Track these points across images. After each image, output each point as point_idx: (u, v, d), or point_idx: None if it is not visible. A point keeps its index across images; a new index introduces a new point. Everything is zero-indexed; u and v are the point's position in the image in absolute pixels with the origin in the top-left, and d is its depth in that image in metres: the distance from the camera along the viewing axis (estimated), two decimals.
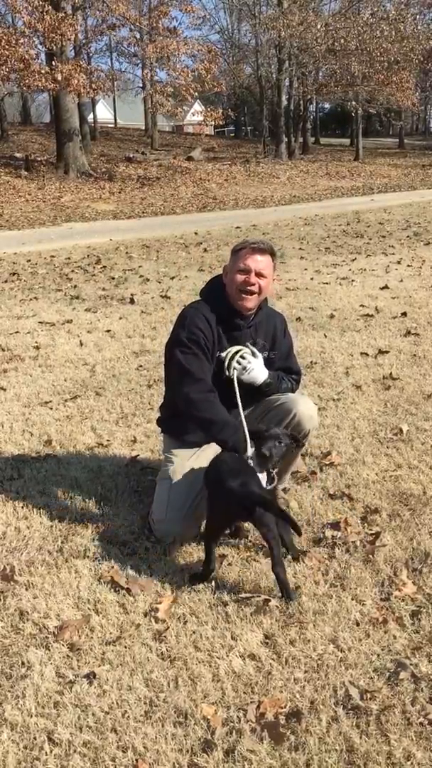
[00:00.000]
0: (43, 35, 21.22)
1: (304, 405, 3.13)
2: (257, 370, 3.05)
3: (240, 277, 3.00)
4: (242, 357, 3.03)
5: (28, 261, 11.36)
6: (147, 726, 2.04)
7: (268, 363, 3.16)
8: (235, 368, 3.01)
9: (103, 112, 48.57)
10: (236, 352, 3.03)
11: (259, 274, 2.99)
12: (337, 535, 3.00)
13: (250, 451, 2.77)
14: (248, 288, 2.99)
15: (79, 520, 3.20)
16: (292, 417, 3.09)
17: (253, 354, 3.08)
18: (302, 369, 5.21)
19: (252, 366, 3.04)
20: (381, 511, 3.21)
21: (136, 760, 1.93)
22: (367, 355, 5.61)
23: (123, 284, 9.10)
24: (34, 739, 2.01)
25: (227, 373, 3.01)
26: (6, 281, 9.58)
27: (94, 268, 10.51)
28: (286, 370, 3.27)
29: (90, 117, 36.58)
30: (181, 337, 3.03)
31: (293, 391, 3.29)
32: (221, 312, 3.06)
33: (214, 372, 3.05)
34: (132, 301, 7.97)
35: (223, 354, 3.03)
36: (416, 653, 2.30)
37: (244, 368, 3.03)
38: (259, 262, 3.00)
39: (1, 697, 2.17)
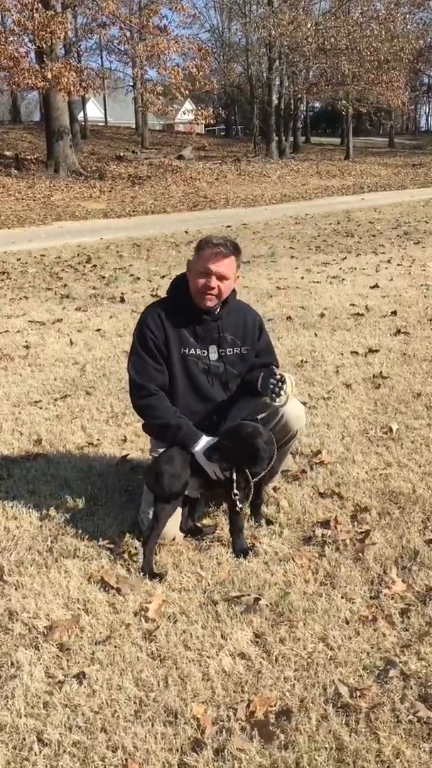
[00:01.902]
0: (32, 33, 21.17)
1: (291, 406, 3.12)
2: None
3: (201, 281, 2.98)
4: (282, 382, 2.95)
5: (18, 260, 11.32)
6: (137, 725, 2.04)
7: (241, 359, 3.13)
8: (281, 397, 2.94)
9: (93, 111, 48.44)
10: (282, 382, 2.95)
11: (220, 277, 2.97)
12: (327, 533, 3.01)
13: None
14: (208, 292, 2.99)
15: (68, 519, 3.20)
16: (280, 418, 3.09)
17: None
18: (293, 368, 5.26)
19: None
20: (371, 509, 3.21)
21: (126, 759, 1.93)
22: (357, 353, 5.62)
23: (113, 283, 9.08)
24: (24, 739, 2.01)
25: (282, 399, 2.94)
26: None
27: (84, 267, 10.48)
28: (267, 366, 3.22)
29: (80, 115, 36.47)
30: (134, 342, 3.10)
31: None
32: (183, 308, 3.06)
33: (188, 371, 3.05)
34: (122, 300, 7.95)
35: (281, 398, 2.93)
36: (405, 651, 2.31)
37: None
38: (220, 265, 2.96)
39: None
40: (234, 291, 3.16)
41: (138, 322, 3.11)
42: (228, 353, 3.11)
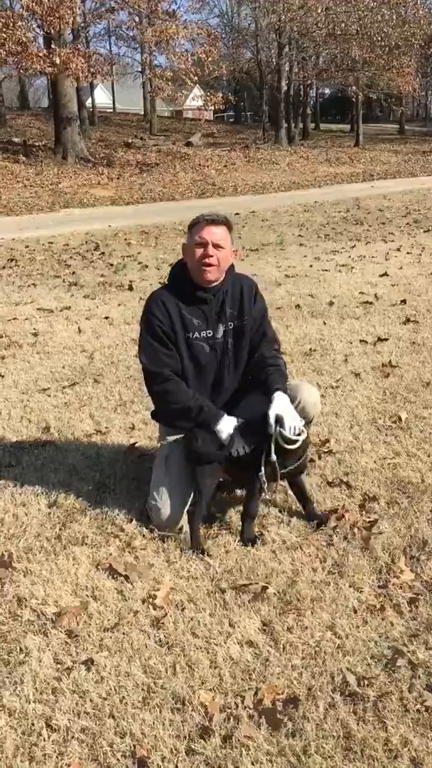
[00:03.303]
0: (41, 18, 20.98)
1: (307, 392, 3.11)
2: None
3: (198, 251, 2.96)
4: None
5: (27, 247, 11.31)
6: (145, 712, 2.05)
7: (238, 331, 3.08)
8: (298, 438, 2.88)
9: (101, 97, 48.19)
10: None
11: (216, 246, 2.95)
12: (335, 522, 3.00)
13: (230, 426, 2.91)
14: (206, 260, 2.95)
15: (77, 507, 3.20)
16: (297, 404, 3.05)
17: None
18: (301, 356, 5.25)
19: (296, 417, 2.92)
20: (379, 498, 3.21)
21: (134, 745, 1.94)
22: (366, 342, 5.60)
23: (122, 271, 9.07)
24: (32, 725, 2.02)
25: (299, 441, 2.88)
26: (4, 267, 9.54)
27: (92, 254, 10.47)
28: (262, 335, 3.15)
29: (88, 102, 36.27)
30: (141, 331, 3.08)
31: (282, 368, 3.14)
32: (184, 291, 3.04)
33: (194, 355, 3.04)
34: (131, 288, 7.94)
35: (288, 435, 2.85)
36: (413, 640, 2.30)
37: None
38: (214, 234, 2.96)
39: None
40: (232, 266, 3.13)
41: (143, 312, 3.09)
42: (229, 327, 3.08)
